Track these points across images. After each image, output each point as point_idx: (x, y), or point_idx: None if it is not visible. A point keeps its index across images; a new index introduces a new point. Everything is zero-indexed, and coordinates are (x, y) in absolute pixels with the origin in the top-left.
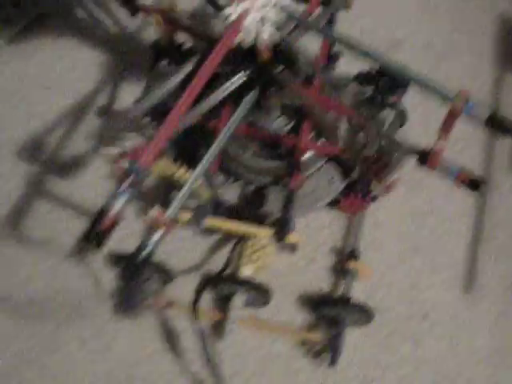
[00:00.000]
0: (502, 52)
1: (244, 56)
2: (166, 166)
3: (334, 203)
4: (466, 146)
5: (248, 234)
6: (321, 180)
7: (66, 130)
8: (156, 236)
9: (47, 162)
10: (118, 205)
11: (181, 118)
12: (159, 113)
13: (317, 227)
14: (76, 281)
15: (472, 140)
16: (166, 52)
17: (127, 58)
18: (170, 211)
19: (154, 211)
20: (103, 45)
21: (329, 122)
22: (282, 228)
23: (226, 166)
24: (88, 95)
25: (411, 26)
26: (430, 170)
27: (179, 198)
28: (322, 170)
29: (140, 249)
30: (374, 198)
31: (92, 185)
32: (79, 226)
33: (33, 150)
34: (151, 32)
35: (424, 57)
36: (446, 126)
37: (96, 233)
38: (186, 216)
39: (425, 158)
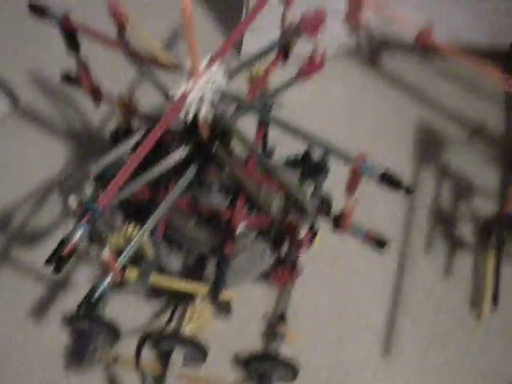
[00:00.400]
0: (418, 150)
1: (185, 132)
2: (117, 237)
3: (265, 275)
4: (387, 227)
5: (187, 291)
6: (253, 253)
7: (32, 206)
8: (107, 279)
9: (13, 234)
10: (76, 236)
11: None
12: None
13: (250, 295)
14: (33, 338)
15: (393, 223)
16: (123, 136)
17: (91, 145)
18: (120, 259)
19: (105, 253)
20: (71, 135)
21: (261, 197)
22: (215, 286)
23: (170, 236)
24: (54, 178)
25: (340, 127)
26: (343, 232)
27: (128, 249)
28: (255, 244)
29: (93, 290)
30: (300, 271)
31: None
32: (39, 290)
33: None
34: (111, 124)
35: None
36: (350, 185)
37: (57, 257)
38: (133, 273)
39: (337, 221)
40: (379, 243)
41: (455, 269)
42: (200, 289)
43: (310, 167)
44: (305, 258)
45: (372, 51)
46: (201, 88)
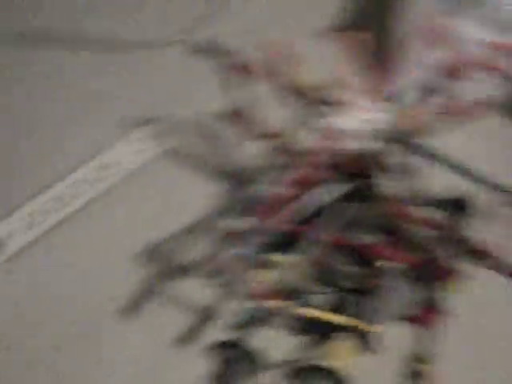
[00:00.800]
0: None
1: (347, 168)
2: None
3: (410, 315)
4: None
5: (336, 324)
6: (399, 292)
7: (179, 242)
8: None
9: (162, 267)
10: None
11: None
12: None
13: (392, 334)
14: (177, 366)
15: None
16: None
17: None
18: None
19: (258, 278)
20: (214, 177)
21: (413, 234)
22: (368, 319)
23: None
24: (202, 219)
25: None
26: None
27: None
28: (402, 283)
29: (244, 312)
30: (446, 314)
31: (197, 288)
32: (182, 319)
33: (147, 256)
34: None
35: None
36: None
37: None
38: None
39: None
40: None
41: None
42: (351, 321)
43: (458, 206)
44: (449, 301)
45: None
46: (363, 123)
